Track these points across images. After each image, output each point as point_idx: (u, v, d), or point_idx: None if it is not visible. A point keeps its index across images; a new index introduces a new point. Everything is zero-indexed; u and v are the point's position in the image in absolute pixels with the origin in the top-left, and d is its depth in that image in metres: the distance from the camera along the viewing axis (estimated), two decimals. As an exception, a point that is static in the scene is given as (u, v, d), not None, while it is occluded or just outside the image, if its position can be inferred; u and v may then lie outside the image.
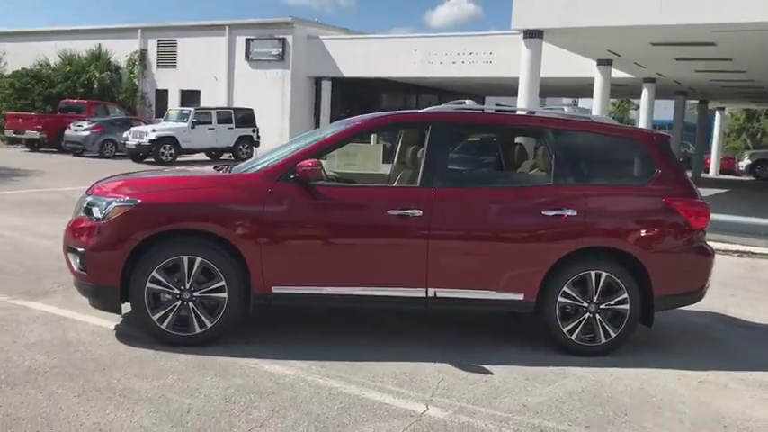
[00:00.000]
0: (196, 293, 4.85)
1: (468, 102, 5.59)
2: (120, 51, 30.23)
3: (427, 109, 5.57)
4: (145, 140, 21.81)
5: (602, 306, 5.16)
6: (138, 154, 22.22)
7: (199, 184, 5.06)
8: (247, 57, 27.31)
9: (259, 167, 5.13)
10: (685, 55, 15.57)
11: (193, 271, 4.82)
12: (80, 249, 4.87)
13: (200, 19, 29.38)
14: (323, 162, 5.22)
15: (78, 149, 23.60)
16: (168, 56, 29.68)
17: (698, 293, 5.44)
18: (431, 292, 5.03)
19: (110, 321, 5.26)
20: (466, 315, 5.96)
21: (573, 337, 5.17)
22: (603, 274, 5.14)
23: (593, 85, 18.05)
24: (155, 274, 4.80)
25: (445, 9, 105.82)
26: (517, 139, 6.60)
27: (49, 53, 30.99)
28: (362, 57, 25.97)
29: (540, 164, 5.70)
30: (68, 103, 26.74)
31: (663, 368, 5.04)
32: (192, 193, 4.93)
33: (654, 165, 5.35)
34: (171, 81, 29.63)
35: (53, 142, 24.66)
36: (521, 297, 5.11)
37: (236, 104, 26.48)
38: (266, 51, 26.78)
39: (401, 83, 27.79)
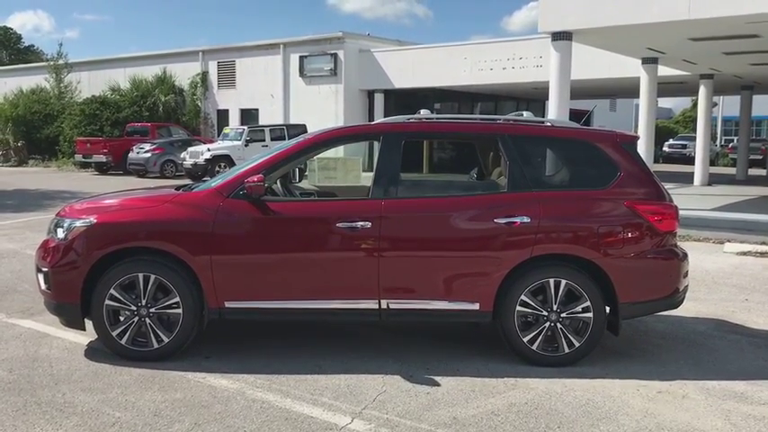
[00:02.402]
0: (152, 310, 5.00)
1: (423, 111, 5.55)
2: (183, 74, 31.36)
3: (379, 120, 5.57)
4: (201, 160, 22.53)
5: (564, 315, 5.01)
6: (196, 173, 22.95)
7: (152, 203, 5.21)
8: (301, 73, 27.82)
9: (213, 184, 5.25)
10: (732, 49, 14.87)
11: (149, 288, 4.98)
12: (44, 269, 5.10)
13: (260, 38, 29.90)
14: (319, 171, 5.29)
15: (141, 171, 24.62)
16: (228, 76, 30.58)
17: (670, 299, 5.19)
18: (383, 303, 5.01)
19: (87, 338, 5.47)
20: (436, 326, 5.89)
21: (534, 347, 5.03)
22: (563, 282, 4.98)
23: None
24: (112, 291, 4.97)
25: (522, 13, 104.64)
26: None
27: (120, 79, 32.52)
28: (413, 67, 26.02)
29: (503, 170, 5.59)
30: (134, 126, 27.94)
31: (625, 378, 4.84)
32: (143, 212, 5.09)
33: (616, 167, 5.16)
34: (231, 101, 30.51)
35: (119, 165, 25.82)
36: (476, 307, 5.02)
37: (293, 121, 27.00)
38: (319, 67, 27.19)
39: (454, 91, 27.66)
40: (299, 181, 6.64)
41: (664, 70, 17.85)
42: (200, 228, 4.98)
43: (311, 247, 5.04)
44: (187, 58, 31.57)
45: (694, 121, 27.48)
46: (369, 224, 4.94)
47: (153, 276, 4.97)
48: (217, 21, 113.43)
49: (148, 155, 24.47)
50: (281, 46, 28.37)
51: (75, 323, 5.15)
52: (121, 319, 5.04)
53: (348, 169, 6.97)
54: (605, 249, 4.99)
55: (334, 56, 26.91)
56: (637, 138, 5.60)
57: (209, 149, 22.95)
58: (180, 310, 4.99)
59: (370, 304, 5.02)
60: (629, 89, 23.68)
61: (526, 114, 5.64)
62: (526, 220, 4.96)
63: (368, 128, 5.53)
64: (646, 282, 5.09)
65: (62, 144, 30.16)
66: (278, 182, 5.63)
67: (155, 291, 4.99)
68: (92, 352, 5.23)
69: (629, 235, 5.04)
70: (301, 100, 27.86)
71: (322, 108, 26.81)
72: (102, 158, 26.02)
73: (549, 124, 5.54)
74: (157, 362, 4.97)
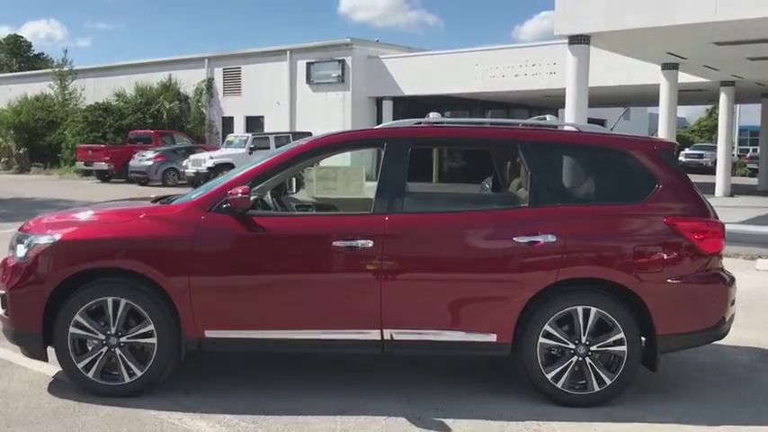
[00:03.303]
0: (123, 339, 4.38)
1: (432, 114, 4.94)
2: (189, 81, 30.90)
3: (383, 124, 4.97)
4: (203, 168, 21.98)
5: (594, 348, 4.36)
6: (198, 182, 22.39)
7: (124, 217, 4.59)
8: (308, 80, 27.29)
9: (193, 197, 4.64)
10: (758, 53, 14.19)
11: (119, 314, 4.36)
12: (1, 291, 4.49)
13: (266, 44, 29.41)
14: (318, 183, 4.68)
15: (143, 179, 24.10)
16: (233, 83, 30.10)
17: (715, 330, 4.53)
18: (386, 334, 4.37)
19: (56, 368, 4.84)
20: (447, 358, 5.24)
21: (559, 385, 4.38)
22: (593, 310, 4.34)
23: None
24: (78, 317, 4.36)
25: (534, 23, 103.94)
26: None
27: (125, 86, 32.07)
28: (422, 74, 25.44)
29: (523, 182, 4.96)
30: (137, 133, 27.49)
31: (666, 422, 4.18)
32: (113, 228, 4.48)
33: (654, 178, 4.51)
34: (236, 108, 30.01)
35: (122, 173, 25.32)
36: (493, 338, 4.38)
37: (299, 128, 26.44)
38: (326, 74, 26.66)
39: (465, 99, 27.05)
40: (296, 192, 6.03)
41: (683, 77, 17.18)
42: (177, 246, 4.36)
43: (304, 268, 4.41)
44: (193, 65, 31.13)
45: (710, 130, 26.77)
46: (370, 243, 4.31)
47: (123, 301, 4.35)
48: (227, 32, 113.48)
49: (150, 162, 23.97)
50: (288, 52, 27.87)
51: (37, 353, 4.53)
52: (89, 349, 4.43)
53: (350, 180, 6.34)
54: (641, 273, 4.35)
55: (342, 62, 26.38)
56: (675, 145, 4.96)
57: (211, 157, 22.41)
58: (154, 340, 4.37)
59: (372, 335, 4.38)
60: (644, 97, 23.04)
61: (549, 118, 5.01)
62: (551, 239, 4.32)
63: (370, 133, 4.91)
64: (687, 310, 4.44)
65: (64, 151, 29.71)
66: (269, 194, 5.02)
67: (126, 317, 4.37)
68: (57, 386, 4.61)
69: (669, 256, 4.39)
70: (308, 107, 27.32)
71: (329, 115, 26.23)
72: (104, 166, 25.56)
73: (575, 129, 4.91)
74: (129, 398, 4.35)
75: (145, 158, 24.14)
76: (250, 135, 23.70)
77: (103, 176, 26.03)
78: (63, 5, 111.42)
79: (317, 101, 27.10)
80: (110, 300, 4.35)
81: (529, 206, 4.49)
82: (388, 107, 26.75)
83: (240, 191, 4.29)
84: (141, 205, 4.89)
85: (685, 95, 22.66)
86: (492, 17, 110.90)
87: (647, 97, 21.46)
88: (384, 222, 4.37)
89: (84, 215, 4.73)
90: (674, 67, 16.22)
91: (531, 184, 4.49)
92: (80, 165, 26.40)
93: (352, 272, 4.36)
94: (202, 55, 31.22)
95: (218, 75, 30.60)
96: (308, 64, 27.28)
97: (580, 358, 4.36)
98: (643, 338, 4.45)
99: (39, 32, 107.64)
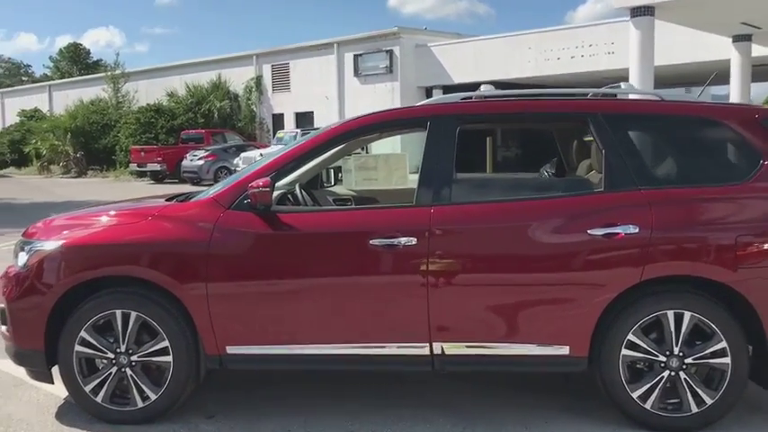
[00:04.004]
0: (135, 357, 3.82)
1: (483, 87, 4.23)
2: (238, 79, 30.71)
3: (426, 101, 4.27)
4: (253, 165, 21.60)
5: (689, 360, 3.59)
6: (249, 179, 22.09)
7: (132, 218, 4.02)
8: (356, 72, 26.71)
9: (211, 193, 4.03)
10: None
11: (129, 329, 3.80)
12: (1, 305, 3.99)
13: (313, 38, 28.97)
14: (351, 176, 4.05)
15: (195, 178, 23.93)
16: (282, 79, 29.76)
17: (841, 337, 3.69)
18: (436, 347, 3.69)
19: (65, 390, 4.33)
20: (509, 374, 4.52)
21: (648, 406, 3.62)
22: (687, 315, 3.57)
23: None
24: (83, 334, 3.82)
25: (587, 7, 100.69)
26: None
27: (177, 86, 32.12)
28: (473, 60, 24.55)
29: (594, 163, 4.21)
30: (188, 133, 27.41)
31: (785, 454, 3.39)
32: (120, 231, 3.91)
33: (757, 153, 3.70)
34: (286, 104, 29.67)
35: (175, 173, 25.24)
36: (565, 351, 3.65)
37: (348, 122, 25.91)
38: (374, 65, 26.04)
39: (518, 85, 26.01)
40: (334, 185, 5.39)
41: (756, 50, 15.91)
42: (192, 249, 3.77)
43: (337, 272, 3.75)
44: (241, 63, 30.94)
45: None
46: (414, 240, 3.63)
47: (134, 314, 3.79)
48: (274, 30, 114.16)
49: (201, 162, 23.78)
50: (335, 45, 27.35)
51: (41, 374, 4.00)
52: (96, 369, 3.88)
53: (392, 168, 5.59)
54: (746, 268, 3.55)
55: (390, 53, 25.71)
56: (781, 113, 4.10)
57: (261, 155, 22.00)
58: (170, 358, 3.80)
59: (420, 349, 3.70)
60: (708, 76, 21.59)
61: (625, 86, 4.22)
62: (633, 230, 3.55)
63: (410, 111, 4.20)
64: (807, 313, 3.61)
65: (118, 154, 29.89)
66: (298, 188, 4.39)
67: (137, 332, 3.81)
68: (66, 410, 4.09)
69: (783, 248, 3.58)
70: (357, 100, 26.72)
71: (378, 108, 25.40)
72: (157, 167, 25.53)
73: (657, 98, 4.12)
74: (143, 424, 3.80)
75: (196, 158, 23.98)
76: (299, 131, 23.25)
77: (157, 177, 26.01)
78: (121, 12, 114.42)
79: (366, 93, 26.50)
80: (118, 313, 3.80)
81: (604, 191, 3.74)
82: (438, 96, 25.98)
83: (261, 183, 3.67)
84: (152, 204, 4.32)
85: (758, 71, 21.20)
86: (544, 3, 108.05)
87: (709, 76, 20.08)
88: (429, 215, 3.68)
89: (90, 217, 4.18)
90: (747, 38, 15.01)
91: (607, 164, 3.73)
92: (133, 167, 26.45)
93: (394, 275, 3.69)
94: (251, 52, 30.99)
95: (267, 72, 30.31)
96: (356, 56, 26.70)
97: (673, 373, 3.59)
98: (751, 348, 3.65)
99: (99, 40, 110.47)
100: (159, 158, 25.42)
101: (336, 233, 3.80)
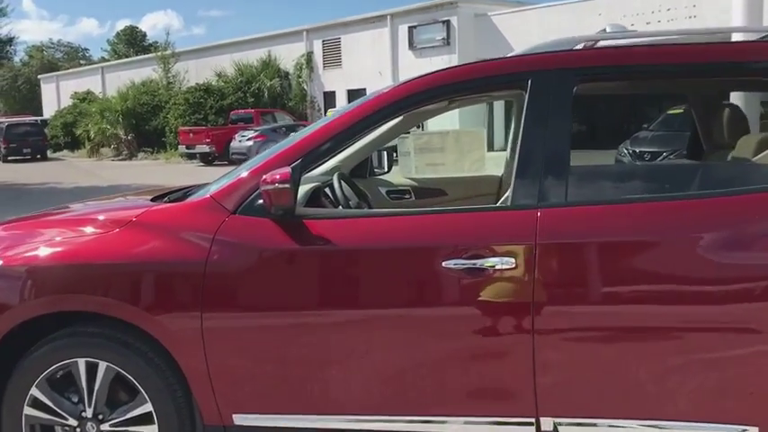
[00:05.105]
0: (106, 426, 2.67)
1: (609, 27, 2.87)
2: (288, 56, 29.58)
3: (521, 50, 2.96)
4: (303, 145, 20.51)
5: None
6: (299, 161, 21.02)
7: (99, 227, 2.82)
8: (411, 46, 25.26)
9: (212, 190, 2.81)
10: None
11: (97, 385, 2.65)
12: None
13: (366, 10, 27.64)
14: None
15: (244, 160, 22.98)
16: (333, 55, 28.51)
17: None
18: (546, 424, 2.42)
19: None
20: None
21: None
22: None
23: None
24: (35, 392, 2.68)
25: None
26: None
27: (226, 66, 31.22)
28: (538, 30, 22.77)
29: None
30: (238, 113, 26.54)
31: None
32: (80, 247, 2.73)
33: None
34: (337, 81, 28.42)
35: (224, 155, 24.38)
36: (751, 433, 2.34)
37: (403, 98, 24.55)
38: (430, 37, 24.52)
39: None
40: (388, 171, 4.13)
41: None
42: (180, 273, 2.58)
43: (391, 309, 2.51)
44: (291, 39, 29.78)
45: None
46: (511, 261, 2.36)
47: (104, 365, 2.64)
48: (326, 5, 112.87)
49: (250, 143, 22.79)
50: (388, 17, 25.90)
51: (-18, 445, 2.89)
52: (55, 439, 2.75)
53: (464, 149, 4.11)
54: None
55: (447, 23, 24.15)
56: None
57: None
58: (155, 428, 2.63)
59: (519, 427, 2.44)
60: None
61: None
62: None
63: (501, 65, 2.81)
64: None
65: (168, 135, 29.22)
66: (337, 179, 3.14)
67: (109, 390, 2.66)
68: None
69: None
70: (411, 75, 25.26)
71: (435, 83, 24.11)
72: (206, 148, 24.66)
73: None
74: None
75: (245, 139, 23.04)
76: (351, 108, 22.03)
77: (206, 159, 25.19)
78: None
79: (422, 67, 24.89)
80: (81, 362, 2.65)
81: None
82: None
83: (279, 176, 2.43)
84: (130, 206, 3.15)
85: None
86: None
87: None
88: (534, 223, 2.39)
89: (41, 225, 3.01)
90: None
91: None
92: (182, 148, 25.71)
93: (481, 315, 2.43)
94: (301, 28, 29.78)
95: (318, 48, 29.09)
96: (410, 28, 25.21)
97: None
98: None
99: (157, 24, 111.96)
100: (208, 140, 24.54)
101: (391, 250, 2.53)
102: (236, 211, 2.60)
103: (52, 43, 71.79)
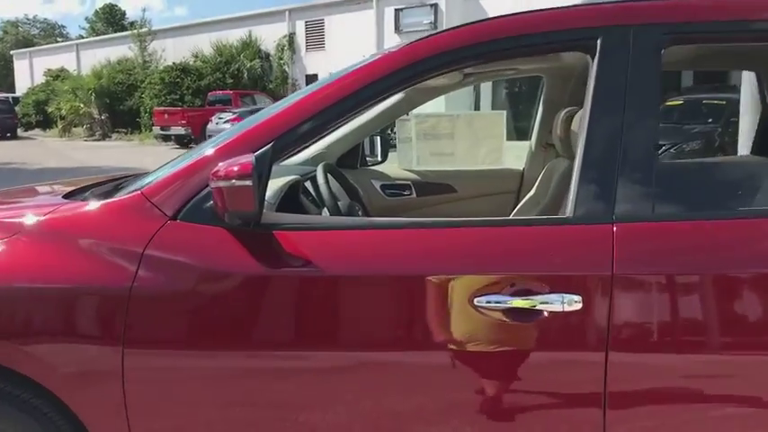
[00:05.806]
0: None
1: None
2: (270, 37, 28.63)
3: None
4: (282, 130, 19.69)
5: None
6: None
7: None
8: (397, 29, 24.44)
9: (144, 183, 2.01)
10: None
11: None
12: None
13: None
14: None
15: (220, 143, 22.11)
16: (316, 37, 27.61)
17: None
18: None
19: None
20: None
21: None
22: None
23: None
24: None
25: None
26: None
27: (205, 45, 30.18)
28: (528, 14, 22.12)
29: None
30: (216, 95, 25.61)
31: None
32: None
33: None
34: (320, 64, 27.50)
35: (201, 137, 23.46)
36: None
37: (388, 83, 23.77)
38: (416, 20, 23.71)
39: (577, 44, 23.56)
40: (383, 160, 3.36)
41: None
42: (94, 301, 1.80)
43: (397, 361, 1.75)
44: (273, 19, 28.82)
45: None
46: (575, 301, 1.60)
47: (-15, 430, 1.86)
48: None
49: (228, 125, 21.87)
50: (374, -1, 25.09)
51: None
52: None
53: (480, 135, 3.33)
54: None
55: (435, 6, 23.38)
56: None
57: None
58: None
59: None
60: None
61: None
62: None
63: (558, 17, 2.04)
64: None
65: (143, 116, 28.17)
66: (321, 170, 2.36)
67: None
68: None
69: None
70: (398, 59, 24.50)
71: (422, 67, 23.34)
72: (181, 130, 23.70)
73: None
74: None
75: (222, 121, 22.07)
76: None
77: (182, 141, 24.24)
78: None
79: (408, 52, 24.24)
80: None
81: None
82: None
83: (236, 168, 1.64)
84: (34, 204, 2.34)
85: None
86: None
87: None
88: (609, 243, 1.64)
89: None
90: None
91: None
92: (157, 130, 24.72)
93: (527, 378, 1.68)
94: (283, 8, 28.80)
95: (300, 29, 28.16)
96: (396, 11, 24.40)
97: None
98: None
99: (139, 4, 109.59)
100: (183, 121, 23.58)
101: (398, 279, 1.76)
102: (178, 216, 1.82)
103: (28, 19, 70.05)
